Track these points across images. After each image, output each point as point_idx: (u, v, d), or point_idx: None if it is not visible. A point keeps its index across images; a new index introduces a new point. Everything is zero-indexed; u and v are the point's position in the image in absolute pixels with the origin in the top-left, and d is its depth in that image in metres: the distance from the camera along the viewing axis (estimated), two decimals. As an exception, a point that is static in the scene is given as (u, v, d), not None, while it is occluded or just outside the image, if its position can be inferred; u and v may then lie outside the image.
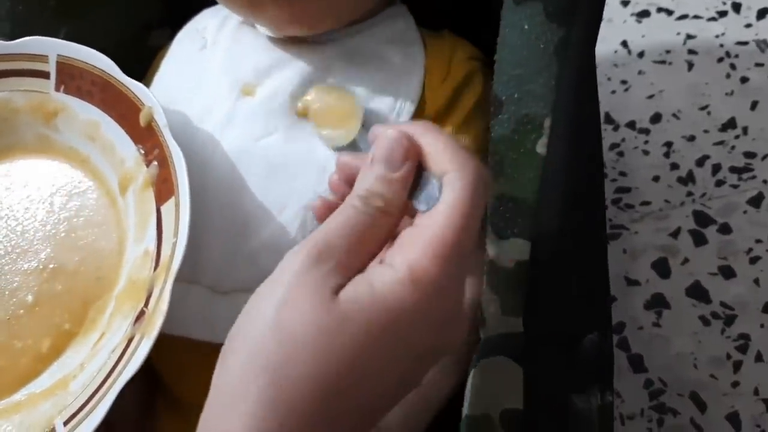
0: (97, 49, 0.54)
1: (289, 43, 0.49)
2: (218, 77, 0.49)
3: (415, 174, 0.34)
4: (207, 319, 0.44)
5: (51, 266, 0.44)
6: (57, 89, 0.47)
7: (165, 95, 0.50)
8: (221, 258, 0.44)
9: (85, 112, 0.46)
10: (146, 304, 0.39)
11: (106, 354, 0.40)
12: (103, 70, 0.45)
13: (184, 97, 0.49)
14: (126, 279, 0.43)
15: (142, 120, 0.43)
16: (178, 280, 0.42)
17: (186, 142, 0.46)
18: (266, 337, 0.31)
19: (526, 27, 0.38)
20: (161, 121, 0.42)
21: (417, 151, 0.34)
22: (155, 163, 0.42)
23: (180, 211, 0.40)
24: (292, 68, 0.48)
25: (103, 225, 0.45)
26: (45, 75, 0.47)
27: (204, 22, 0.53)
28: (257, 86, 0.48)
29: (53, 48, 0.46)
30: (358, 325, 0.31)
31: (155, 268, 0.40)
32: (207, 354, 0.43)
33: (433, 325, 0.32)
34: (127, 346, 0.38)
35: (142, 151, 0.43)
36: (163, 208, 0.41)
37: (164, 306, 0.37)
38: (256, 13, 0.48)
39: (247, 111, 0.47)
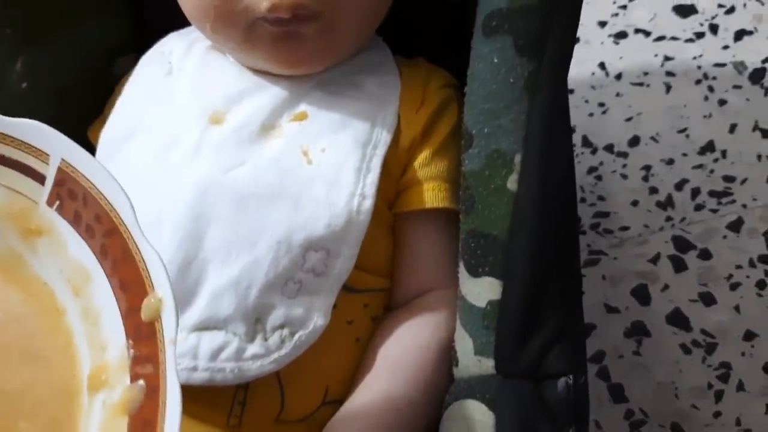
0: (59, 78, 0.52)
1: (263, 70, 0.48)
2: (185, 104, 0.47)
3: None
4: None
5: None
6: (49, 203, 0.34)
7: (128, 122, 0.48)
8: (179, 293, 0.42)
9: (76, 250, 0.34)
10: None
11: None
12: (116, 210, 0.32)
13: (148, 124, 0.48)
14: None
15: (145, 313, 0.31)
16: None
17: (149, 172, 0.44)
18: None
19: (495, 60, 0.37)
20: (169, 331, 0.30)
21: None
22: (142, 383, 0.30)
23: None
24: (265, 96, 0.47)
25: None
26: (39, 178, 0.35)
27: (170, 45, 0.52)
28: (227, 113, 0.46)
29: (59, 147, 0.34)
30: None
31: None
32: None
33: None
34: None
35: (131, 352, 0.31)
36: None
37: None
38: (252, 52, 0.47)
39: (216, 141, 0.45)
